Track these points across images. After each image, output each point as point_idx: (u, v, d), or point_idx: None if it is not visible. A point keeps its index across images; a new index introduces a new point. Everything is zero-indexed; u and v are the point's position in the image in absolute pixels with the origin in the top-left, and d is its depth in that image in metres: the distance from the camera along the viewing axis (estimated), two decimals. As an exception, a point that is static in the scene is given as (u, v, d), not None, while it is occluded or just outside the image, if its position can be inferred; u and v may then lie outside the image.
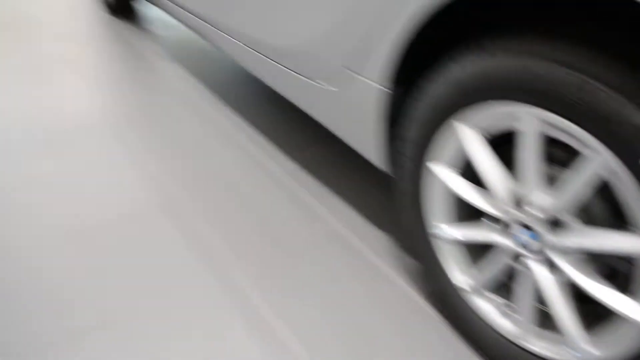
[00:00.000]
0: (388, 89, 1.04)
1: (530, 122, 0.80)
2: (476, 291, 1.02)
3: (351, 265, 1.30)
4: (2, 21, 2.95)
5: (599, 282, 0.81)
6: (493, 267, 0.97)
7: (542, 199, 0.83)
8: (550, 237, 0.84)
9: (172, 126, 1.91)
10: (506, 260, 0.94)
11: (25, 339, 1.11)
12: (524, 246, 0.89)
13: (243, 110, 2.02)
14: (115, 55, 2.51)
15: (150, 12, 3.07)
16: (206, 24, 1.81)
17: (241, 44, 1.61)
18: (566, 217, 0.82)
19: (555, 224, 0.84)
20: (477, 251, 1.05)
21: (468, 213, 1.03)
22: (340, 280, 1.26)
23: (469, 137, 0.91)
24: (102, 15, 3.06)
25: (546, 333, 0.93)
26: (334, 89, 1.22)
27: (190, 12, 1.93)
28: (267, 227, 1.43)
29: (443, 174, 0.99)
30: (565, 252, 0.84)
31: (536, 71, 0.74)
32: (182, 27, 2.79)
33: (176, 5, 2.03)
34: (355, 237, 1.39)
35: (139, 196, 1.56)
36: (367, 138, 1.17)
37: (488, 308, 1.02)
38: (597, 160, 0.73)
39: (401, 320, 1.16)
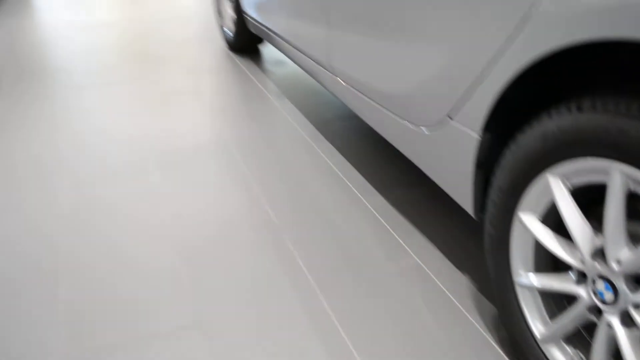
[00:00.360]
0: (482, 137, 1.12)
1: (619, 178, 0.84)
2: (553, 341, 1.04)
3: (432, 302, 1.35)
4: (134, 58, 3.34)
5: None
6: (572, 319, 0.99)
7: (625, 255, 0.86)
8: (630, 293, 0.86)
9: (278, 155, 2.08)
10: (585, 313, 0.96)
11: (130, 330, 1.27)
12: (604, 301, 0.91)
13: (344, 147, 2.15)
14: (234, 89, 2.77)
15: (267, 52, 3.35)
16: (319, 66, 1.99)
17: (349, 87, 1.76)
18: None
19: (636, 280, 0.86)
20: (560, 302, 1.07)
21: (554, 264, 1.06)
22: (419, 315, 1.31)
23: (559, 189, 0.96)
24: (227, 53, 3.37)
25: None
26: (433, 134, 1.31)
27: (303, 53, 2.13)
28: (352, 257, 1.52)
29: (531, 224, 1.03)
30: (644, 308, 0.85)
31: (628, 131, 0.79)
32: (295, 66, 3.02)
33: (291, 46, 2.25)
34: (439, 276, 1.44)
35: (239, 214, 1.72)
36: (460, 183, 1.24)
37: (563, 359, 1.03)
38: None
39: (475, 362, 1.19)
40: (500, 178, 1.07)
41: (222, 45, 3.56)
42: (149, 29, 4.08)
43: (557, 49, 0.88)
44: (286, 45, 2.38)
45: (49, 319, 1.32)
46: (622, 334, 0.89)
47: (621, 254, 0.86)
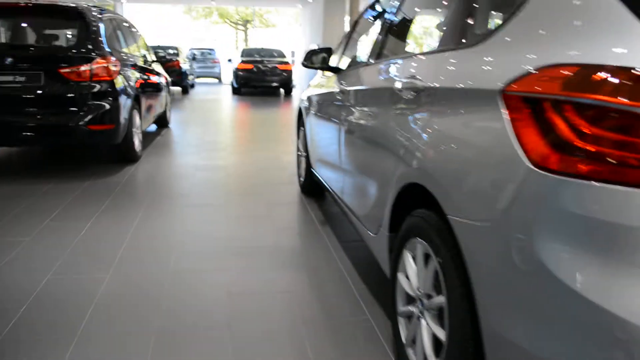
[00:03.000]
0: (390, 235, 2.15)
1: (421, 248, 1.83)
2: (409, 345, 1.95)
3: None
4: (233, 191, 4.68)
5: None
6: (413, 326, 1.91)
7: (423, 285, 1.82)
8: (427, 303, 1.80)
9: (317, 279, 3.13)
10: (416, 323, 1.89)
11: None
12: (421, 311, 1.85)
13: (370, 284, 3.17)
14: (294, 219, 3.93)
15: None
16: (345, 207, 3.09)
17: (351, 215, 2.86)
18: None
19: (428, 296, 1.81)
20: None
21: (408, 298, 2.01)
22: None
23: (407, 257, 1.95)
24: (299, 195, 4.60)
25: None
26: (375, 236, 2.35)
27: (335, 198, 3.29)
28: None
29: (400, 277, 2.01)
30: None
31: (428, 227, 1.79)
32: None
33: (332, 193, 3.42)
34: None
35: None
36: (384, 260, 2.25)
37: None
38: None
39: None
40: (393, 254, 2.08)
41: (297, 188, 4.82)
42: (249, 172, 5.50)
43: (403, 186, 1.94)
44: (325, 186, 3.57)
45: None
46: (425, 328, 1.81)
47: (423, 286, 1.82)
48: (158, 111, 7.61)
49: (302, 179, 4.64)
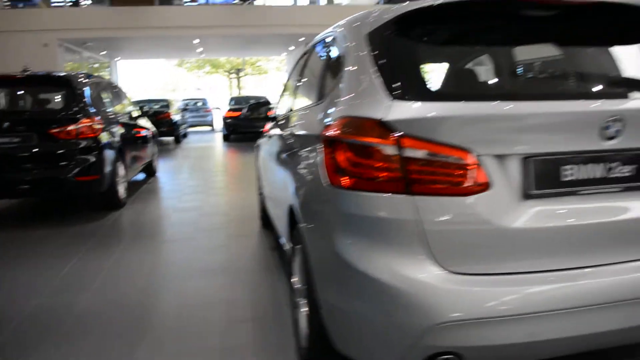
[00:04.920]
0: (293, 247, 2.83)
1: (299, 252, 2.50)
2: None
3: None
4: (203, 227, 5.35)
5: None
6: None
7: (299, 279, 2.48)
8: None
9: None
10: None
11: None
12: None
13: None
14: (248, 247, 4.61)
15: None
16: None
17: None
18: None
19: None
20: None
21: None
22: None
23: (296, 260, 2.62)
24: (259, 227, 5.27)
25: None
26: (290, 248, 3.03)
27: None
28: None
29: (294, 279, 2.67)
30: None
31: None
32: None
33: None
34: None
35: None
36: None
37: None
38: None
39: None
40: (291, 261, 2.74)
41: (258, 223, 5.51)
42: (220, 211, 6.20)
43: None
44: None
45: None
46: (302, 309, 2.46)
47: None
48: (144, 161, 8.35)
49: (261, 214, 5.33)
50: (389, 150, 1.73)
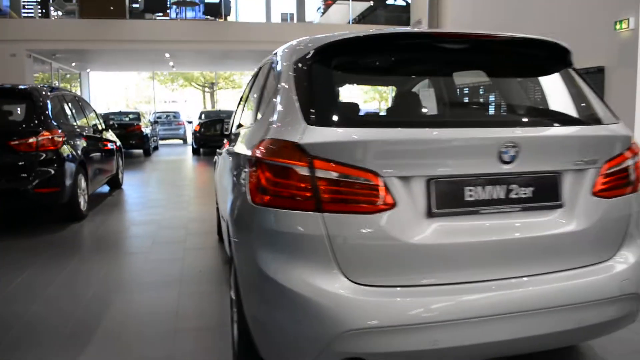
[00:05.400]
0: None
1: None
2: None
3: None
4: (161, 240, 5.45)
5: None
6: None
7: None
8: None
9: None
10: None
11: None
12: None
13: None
14: (202, 260, 4.71)
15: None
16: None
17: None
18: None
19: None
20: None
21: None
22: None
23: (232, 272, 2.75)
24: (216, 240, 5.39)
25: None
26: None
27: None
28: None
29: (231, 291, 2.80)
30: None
31: None
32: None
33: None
34: None
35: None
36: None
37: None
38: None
39: None
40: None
41: (216, 236, 5.62)
42: (180, 224, 6.29)
43: None
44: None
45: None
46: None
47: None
48: (108, 174, 8.39)
49: (218, 228, 5.44)
50: (303, 171, 1.89)
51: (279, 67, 2.42)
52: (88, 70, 24.01)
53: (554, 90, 2.45)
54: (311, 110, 2.00)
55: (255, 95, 3.15)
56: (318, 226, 1.88)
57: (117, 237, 5.72)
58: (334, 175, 1.88)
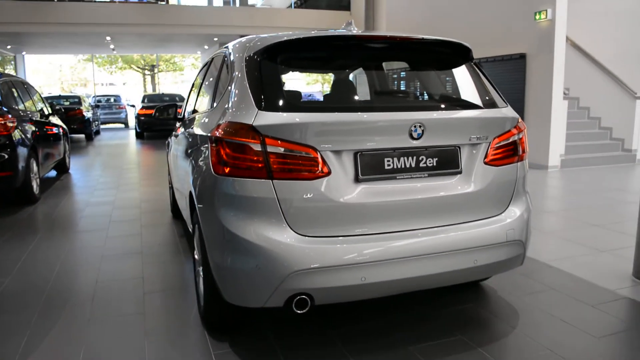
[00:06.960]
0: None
1: (197, 230, 3.10)
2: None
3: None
4: (116, 220, 5.81)
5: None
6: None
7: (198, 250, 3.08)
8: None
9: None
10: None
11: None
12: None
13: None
14: (158, 235, 5.12)
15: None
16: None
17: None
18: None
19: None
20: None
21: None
22: None
23: (196, 237, 3.21)
24: (170, 217, 5.80)
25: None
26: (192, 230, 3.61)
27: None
28: None
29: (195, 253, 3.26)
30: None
31: None
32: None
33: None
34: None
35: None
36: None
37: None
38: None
39: None
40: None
41: (170, 214, 6.01)
42: (133, 204, 6.63)
43: None
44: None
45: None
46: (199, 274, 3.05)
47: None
48: (56, 158, 8.55)
49: (171, 207, 5.84)
50: (256, 147, 2.38)
51: (233, 61, 2.88)
52: (23, 52, 23.31)
53: (458, 81, 3.04)
54: (262, 97, 2.48)
55: (209, 85, 3.59)
56: (270, 190, 2.38)
57: (74, 217, 6.02)
58: (281, 150, 2.38)
